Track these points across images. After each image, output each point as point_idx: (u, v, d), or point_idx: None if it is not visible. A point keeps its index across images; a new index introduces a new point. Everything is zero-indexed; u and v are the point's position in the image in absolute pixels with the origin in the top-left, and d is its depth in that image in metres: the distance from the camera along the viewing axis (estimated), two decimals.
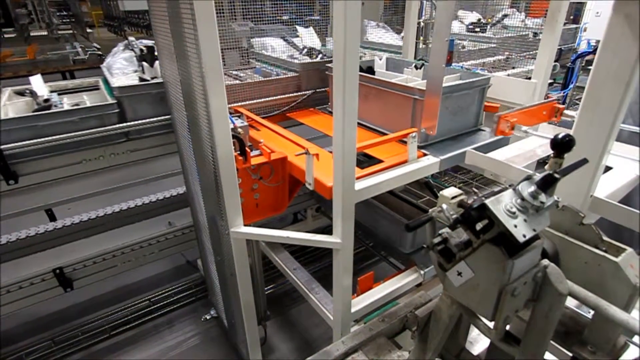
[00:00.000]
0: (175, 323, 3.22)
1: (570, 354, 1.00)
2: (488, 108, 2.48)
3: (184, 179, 2.73)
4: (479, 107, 2.36)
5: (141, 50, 2.72)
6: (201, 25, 1.40)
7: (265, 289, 3.11)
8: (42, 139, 2.27)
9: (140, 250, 2.83)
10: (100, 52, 7.69)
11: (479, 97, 2.31)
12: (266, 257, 2.91)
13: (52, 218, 2.99)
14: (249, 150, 1.89)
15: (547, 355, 0.98)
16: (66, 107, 2.48)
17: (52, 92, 2.61)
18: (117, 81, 2.61)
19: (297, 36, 3.45)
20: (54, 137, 2.29)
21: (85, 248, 2.65)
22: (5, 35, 12.78)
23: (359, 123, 2.14)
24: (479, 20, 4.53)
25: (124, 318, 3.16)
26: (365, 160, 2.27)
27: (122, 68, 2.83)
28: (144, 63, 2.64)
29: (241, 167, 1.85)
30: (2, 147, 2.18)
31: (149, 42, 2.79)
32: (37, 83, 2.58)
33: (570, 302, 0.94)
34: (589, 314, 1.04)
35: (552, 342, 0.97)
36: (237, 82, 2.69)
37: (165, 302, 3.32)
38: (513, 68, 3.53)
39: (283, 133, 2.25)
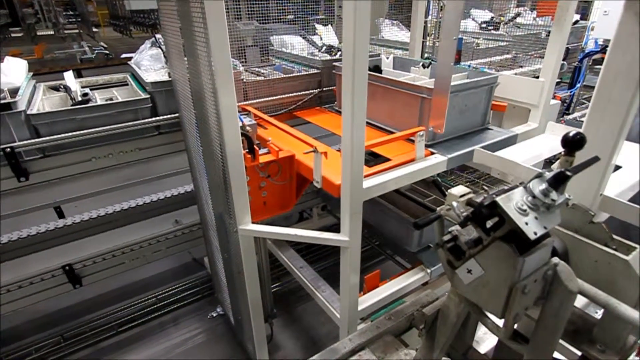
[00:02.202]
0: (182, 320, 3.24)
1: (579, 353, 1.00)
2: (496, 107, 2.47)
3: (191, 177, 2.75)
4: (486, 106, 2.35)
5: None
6: (211, 24, 1.41)
7: (272, 286, 3.13)
8: (83, 132, 2.35)
9: (148, 248, 2.85)
10: (107, 51, 7.75)
11: (486, 96, 2.31)
12: (272, 255, 2.93)
13: (61, 215, 3.02)
14: (257, 149, 1.90)
15: (556, 353, 0.98)
16: (99, 101, 2.59)
17: (83, 87, 2.75)
18: (149, 77, 2.67)
19: (316, 34, 3.54)
20: (92, 130, 2.39)
21: (93, 245, 2.68)
22: (12, 35, 12.90)
23: (366, 122, 2.15)
24: (492, 18, 4.55)
25: (131, 315, 3.19)
26: (372, 159, 2.28)
27: (150, 65, 2.89)
28: None
29: (249, 165, 1.86)
30: (45, 138, 2.26)
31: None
32: (70, 79, 2.72)
33: (578, 302, 0.94)
34: (596, 313, 1.05)
35: (561, 340, 0.97)
36: (261, 78, 2.77)
37: (171, 299, 3.35)
38: (520, 67, 3.51)
39: (290, 131, 2.26)
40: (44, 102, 2.58)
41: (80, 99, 2.55)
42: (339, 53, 3.14)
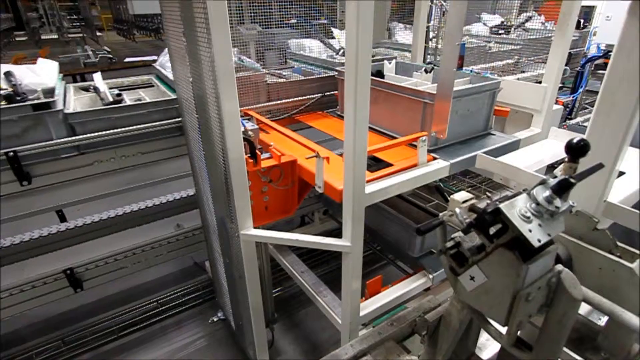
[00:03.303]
0: (183, 325, 3.23)
1: None
2: (498, 112, 2.47)
3: (193, 181, 2.75)
4: (488, 111, 2.35)
5: None
6: (214, 28, 1.41)
7: (273, 291, 3.11)
8: (116, 130, 2.46)
9: (149, 252, 2.85)
10: (110, 55, 7.78)
11: (488, 101, 2.31)
12: (274, 260, 2.92)
13: (63, 219, 3.02)
14: (259, 153, 1.90)
15: None
16: (128, 102, 2.68)
17: (110, 88, 2.88)
18: None
19: (334, 37, 3.64)
20: (126, 129, 2.48)
21: (95, 249, 2.67)
22: (17, 39, 13.00)
23: (368, 127, 2.15)
24: (502, 22, 4.59)
25: (132, 319, 3.18)
26: (374, 163, 2.28)
27: None
28: None
29: (251, 170, 1.86)
30: (81, 136, 2.36)
31: None
32: (99, 80, 2.85)
33: (582, 310, 0.93)
34: (600, 320, 1.04)
35: (565, 348, 0.96)
36: (283, 80, 2.85)
37: (173, 303, 3.34)
38: (523, 72, 3.51)
39: (292, 136, 2.26)
40: (75, 102, 2.68)
41: (111, 99, 2.65)
42: None
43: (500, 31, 4.50)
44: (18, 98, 2.24)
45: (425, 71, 2.59)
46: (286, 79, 2.88)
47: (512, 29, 4.49)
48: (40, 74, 2.51)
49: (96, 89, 2.80)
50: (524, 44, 3.88)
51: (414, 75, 2.67)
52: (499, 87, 2.29)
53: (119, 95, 2.68)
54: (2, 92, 2.25)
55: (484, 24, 4.61)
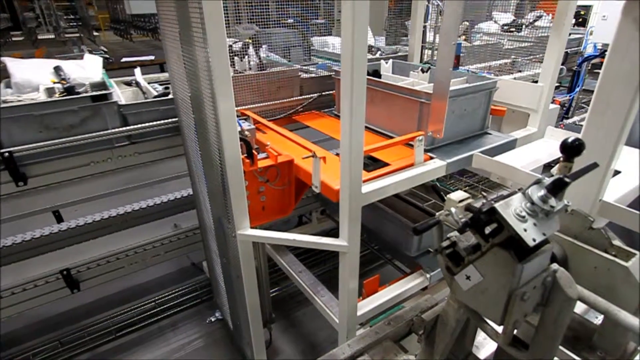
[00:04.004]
0: (180, 325, 3.23)
1: (579, 359, 0.99)
2: (495, 112, 2.47)
3: (190, 182, 2.74)
4: (485, 110, 2.35)
5: (229, 46, 2.88)
6: (210, 28, 1.41)
7: (271, 291, 3.11)
8: (160, 122, 2.58)
9: (146, 252, 2.84)
10: (107, 55, 7.74)
11: (485, 100, 2.31)
12: (271, 260, 2.92)
13: (59, 220, 3.01)
14: (255, 153, 1.90)
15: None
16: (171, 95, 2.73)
17: (149, 83, 3.02)
18: None
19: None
20: (169, 120, 2.61)
21: (91, 249, 2.67)
22: (14, 39, 12.93)
23: (364, 126, 2.14)
24: (514, 21, 4.65)
25: (129, 319, 3.18)
26: (371, 163, 2.28)
27: None
28: (236, 57, 2.84)
29: (248, 170, 1.86)
30: (137, 125, 2.50)
31: (229, 41, 2.91)
32: (139, 75, 3.05)
33: (578, 309, 0.93)
34: (597, 319, 1.04)
35: (561, 347, 0.97)
36: (312, 75, 2.98)
37: (170, 304, 3.33)
38: (519, 71, 3.52)
39: (289, 136, 2.26)
40: (121, 95, 2.74)
41: (154, 93, 2.76)
42: (378, 52, 3.33)
43: (512, 29, 4.57)
44: (80, 90, 2.43)
45: (422, 71, 2.59)
46: (316, 74, 3.01)
47: (524, 27, 4.55)
48: (87, 69, 2.67)
49: (137, 84, 2.96)
50: (536, 41, 3.91)
51: (410, 74, 2.67)
52: (496, 86, 2.30)
53: (167, 88, 2.80)
54: (60, 85, 2.40)
55: (495, 22, 4.65)
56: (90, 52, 7.28)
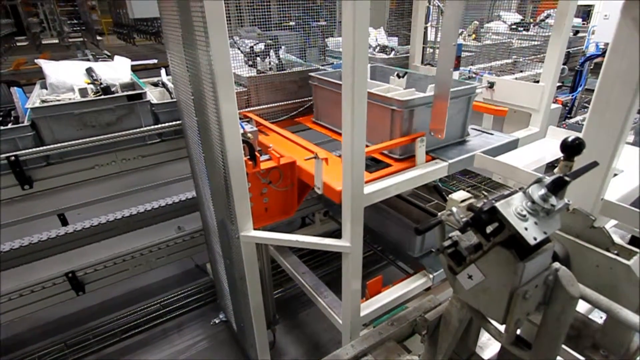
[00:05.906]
0: (185, 327, 3.24)
1: (583, 358, 0.99)
2: (496, 112, 2.48)
3: (193, 184, 2.76)
4: (464, 117, 2.24)
5: (251, 47, 2.94)
6: (212, 31, 1.42)
7: (274, 292, 3.12)
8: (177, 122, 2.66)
9: (151, 254, 2.86)
10: (111, 60, 7.79)
11: (464, 107, 2.19)
12: (275, 261, 2.92)
13: (64, 222, 3.03)
14: (258, 155, 1.91)
15: (559, 359, 0.98)
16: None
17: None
18: (245, 73, 2.81)
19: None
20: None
21: (96, 252, 2.68)
22: (18, 44, 13.04)
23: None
24: (522, 20, 4.67)
25: (134, 322, 3.19)
26: (373, 164, 2.28)
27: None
28: (258, 58, 2.89)
29: (251, 172, 1.87)
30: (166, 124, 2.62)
31: (250, 42, 2.96)
32: (164, 76, 3.16)
33: (581, 307, 0.94)
34: (600, 319, 1.04)
35: (563, 346, 0.97)
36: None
37: (174, 305, 3.34)
38: (521, 72, 3.52)
39: (291, 137, 2.27)
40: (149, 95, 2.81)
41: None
42: (393, 52, 3.36)
43: (520, 28, 4.62)
44: (112, 89, 2.56)
45: (398, 76, 2.49)
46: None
47: (531, 25, 4.59)
48: (117, 70, 2.78)
49: (164, 84, 3.07)
50: (545, 40, 3.93)
51: (390, 80, 2.56)
52: (475, 92, 2.19)
53: None
54: (94, 85, 2.53)
55: (504, 22, 4.67)
56: (94, 56, 7.32)
